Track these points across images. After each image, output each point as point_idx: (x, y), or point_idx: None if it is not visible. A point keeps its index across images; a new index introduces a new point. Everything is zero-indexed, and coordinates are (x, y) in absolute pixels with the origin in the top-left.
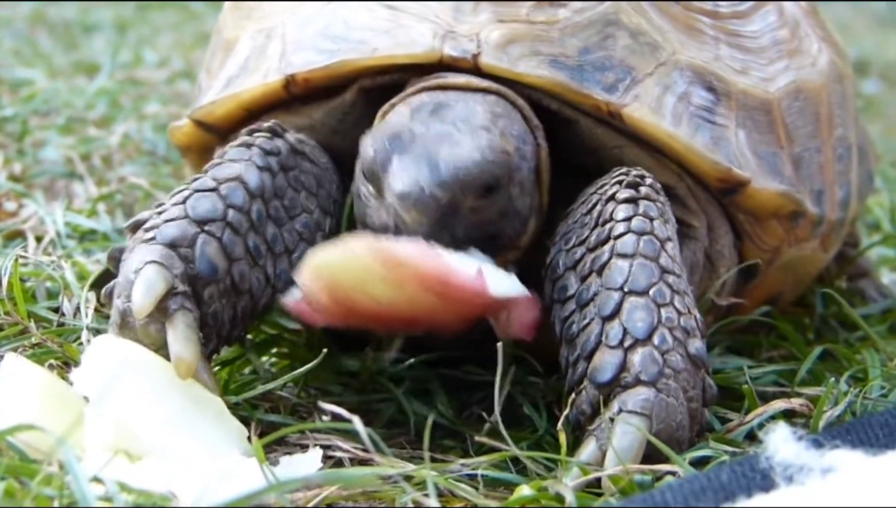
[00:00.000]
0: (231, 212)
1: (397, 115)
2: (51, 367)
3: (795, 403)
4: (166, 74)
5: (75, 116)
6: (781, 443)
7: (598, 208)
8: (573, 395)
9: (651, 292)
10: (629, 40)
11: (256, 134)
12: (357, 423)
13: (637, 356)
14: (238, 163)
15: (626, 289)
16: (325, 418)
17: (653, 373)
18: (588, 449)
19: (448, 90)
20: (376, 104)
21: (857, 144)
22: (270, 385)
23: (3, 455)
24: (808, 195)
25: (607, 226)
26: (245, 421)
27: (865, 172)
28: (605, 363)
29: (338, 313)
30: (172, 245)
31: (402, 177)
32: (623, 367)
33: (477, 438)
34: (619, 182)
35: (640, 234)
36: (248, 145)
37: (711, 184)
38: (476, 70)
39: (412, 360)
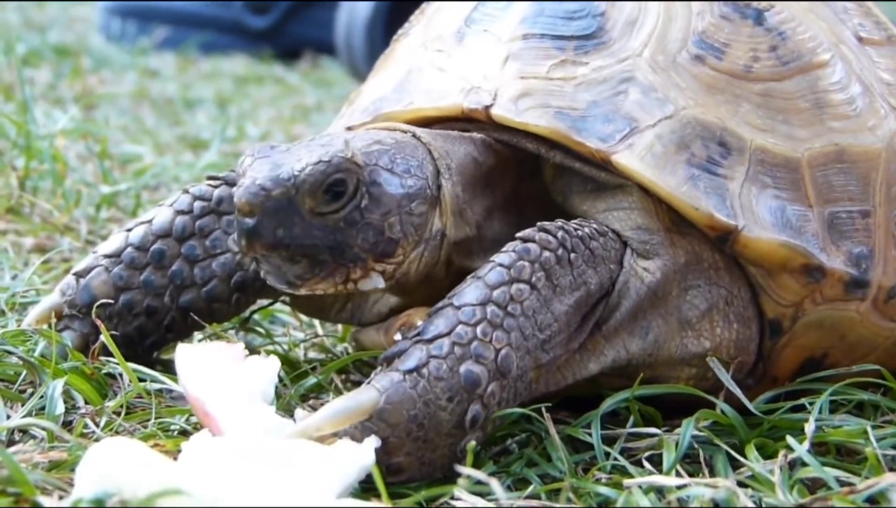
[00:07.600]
0: (129, 249)
1: None
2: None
3: None
4: None
5: None
6: None
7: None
8: None
9: (463, 309)
10: (639, 96)
11: (205, 181)
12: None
13: (412, 350)
14: (161, 207)
15: (451, 298)
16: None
17: (409, 366)
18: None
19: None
20: None
21: None
22: None
23: None
24: (840, 255)
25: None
26: None
27: None
28: (397, 346)
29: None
30: (77, 275)
31: (247, 174)
32: (400, 353)
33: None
34: (538, 228)
35: (500, 265)
36: (185, 191)
37: (704, 231)
38: (489, 120)
39: None
